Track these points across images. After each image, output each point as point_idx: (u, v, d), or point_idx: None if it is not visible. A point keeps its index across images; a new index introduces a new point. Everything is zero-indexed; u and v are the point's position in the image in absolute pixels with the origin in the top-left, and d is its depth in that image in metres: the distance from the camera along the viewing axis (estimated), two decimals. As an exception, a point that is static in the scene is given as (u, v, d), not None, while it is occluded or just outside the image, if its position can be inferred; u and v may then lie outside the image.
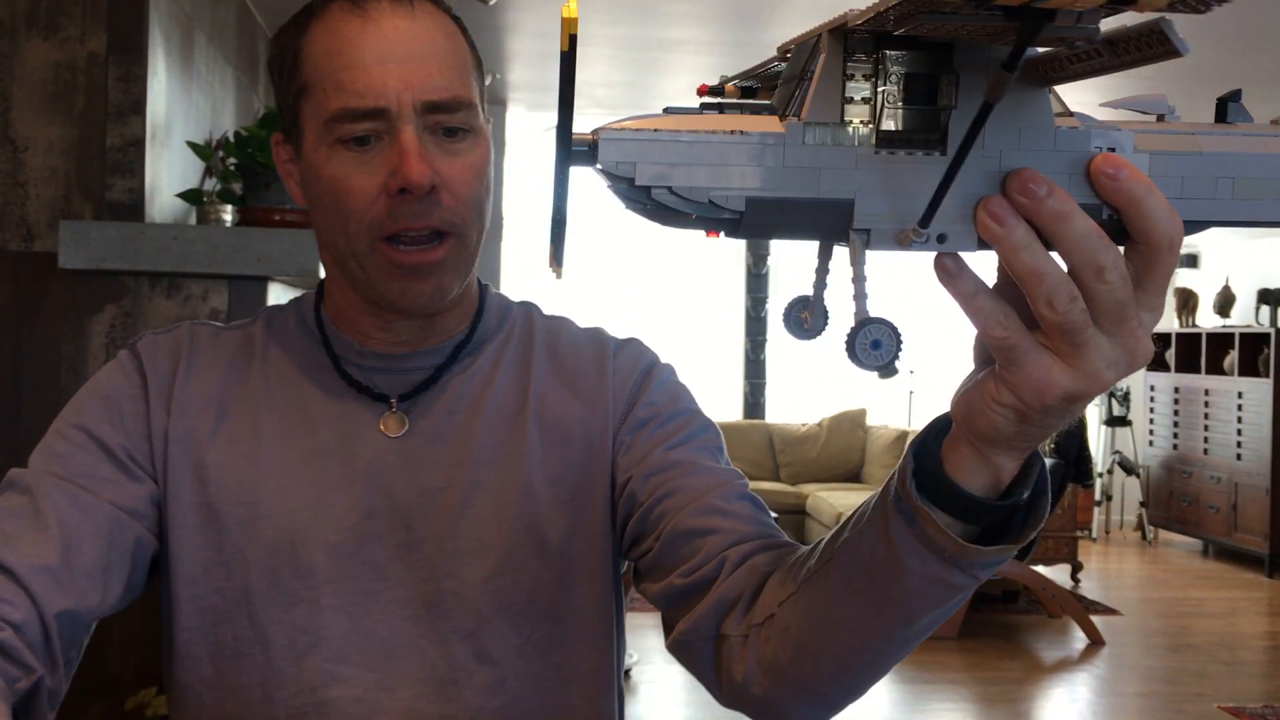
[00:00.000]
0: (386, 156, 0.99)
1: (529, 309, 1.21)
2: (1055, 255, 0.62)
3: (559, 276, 0.65)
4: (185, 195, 2.73)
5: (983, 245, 0.63)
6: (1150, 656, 6.03)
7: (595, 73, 5.57)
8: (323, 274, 1.16)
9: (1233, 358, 8.47)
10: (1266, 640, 6.49)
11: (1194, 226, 0.66)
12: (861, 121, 0.64)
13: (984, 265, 0.65)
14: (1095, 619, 6.39)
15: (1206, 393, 8.69)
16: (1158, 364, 9.28)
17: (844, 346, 0.64)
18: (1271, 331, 8.14)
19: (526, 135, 6.75)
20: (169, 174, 2.74)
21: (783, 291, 8.87)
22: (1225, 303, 8.88)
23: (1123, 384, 9.26)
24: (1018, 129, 0.63)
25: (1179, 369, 9.02)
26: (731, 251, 8.98)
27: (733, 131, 0.63)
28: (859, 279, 0.65)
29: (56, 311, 2.48)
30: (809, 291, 0.75)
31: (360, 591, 1.06)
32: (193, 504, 1.07)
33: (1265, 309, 8.50)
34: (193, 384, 1.10)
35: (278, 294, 2.62)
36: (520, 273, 7.95)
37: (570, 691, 1.10)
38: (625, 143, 0.63)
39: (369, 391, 1.10)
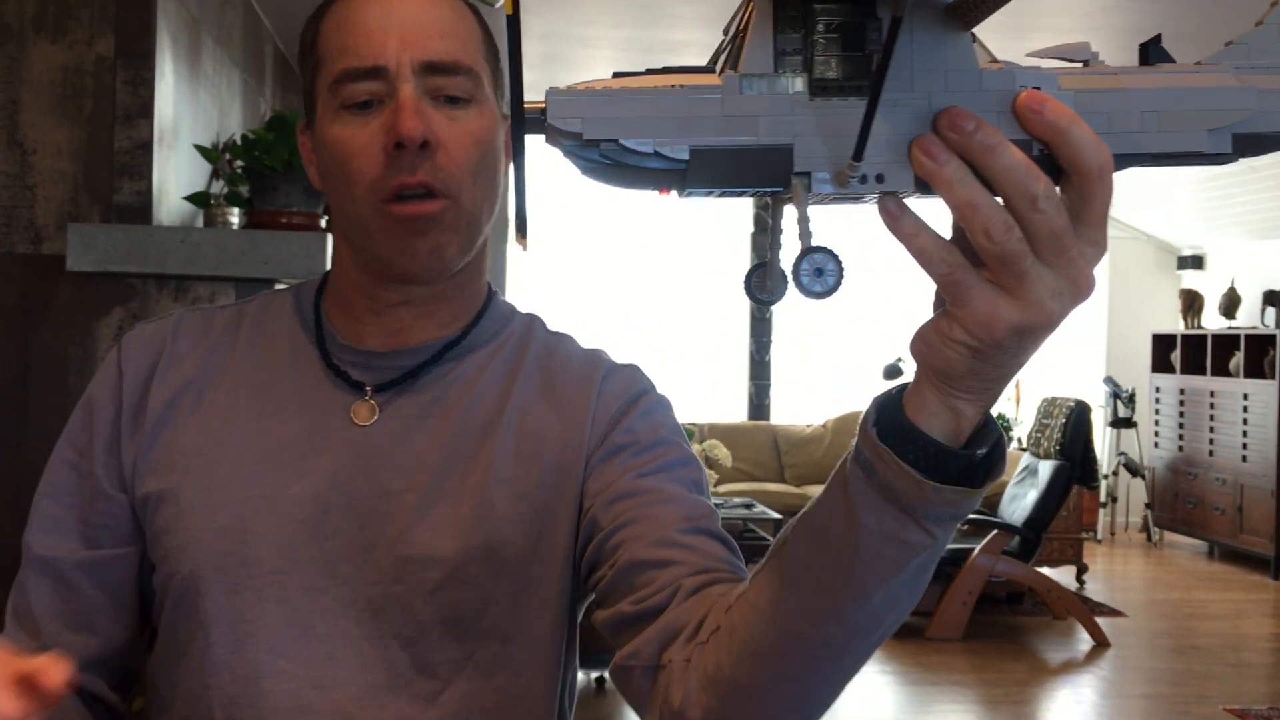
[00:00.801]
0: (385, 116, 1.02)
1: (531, 321, 1.20)
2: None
3: (525, 249, 0.67)
4: (192, 198, 2.74)
5: (920, 186, 0.65)
6: (1155, 658, 6.03)
7: (600, 75, 5.58)
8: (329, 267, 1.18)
9: (1238, 359, 8.46)
10: (1272, 642, 6.49)
11: (1124, 161, 0.68)
12: (795, 71, 0.66)
13: (938, 217, 0.67)
14: (1100, 620, 6.38)
15: (1212, 394, 8.68)
16: (1163, 366, 9.28)
17: (790, 275, 0.66)
18: (1277, 333, 8.13)
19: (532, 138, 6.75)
20: (176, 177, 2.75)
21: (787, 294, 8.86)
22: (1230, 304, 8.87)
23: (1127, 385, 9.25)
24: (944, 72, 0.66)
25: (1184, 370, 9.01)
26: (736, 253, 8.98)
27: (673, 86, 0.66)
28: (803, 219, 0.67)
29: (64, 314, 2.49)
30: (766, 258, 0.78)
31: (306, 586, 1.05)
32: (159, 490, 1.08)
33: (1271, 311, 8.49)
34: (172, 371, 1.13)
35: (284, 296, 2.63)
36: (526, 274, 7.97)
37: (511, 716, 1.07)
38: (573, 101, 0.66)
39: (345, 377, 1.11)
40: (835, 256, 0.65)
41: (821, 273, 0.65)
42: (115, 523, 1.11)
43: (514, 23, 0.61)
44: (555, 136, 0.67)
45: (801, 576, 0.80)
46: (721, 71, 0.67)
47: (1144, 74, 0.68)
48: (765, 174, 0.66)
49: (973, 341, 0.66)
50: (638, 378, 1.16)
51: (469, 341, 1.14)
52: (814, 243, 0.66)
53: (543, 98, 0.67)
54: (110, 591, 1.11)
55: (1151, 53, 0.70)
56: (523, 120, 0.65)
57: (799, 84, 0.66)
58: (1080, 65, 0.69)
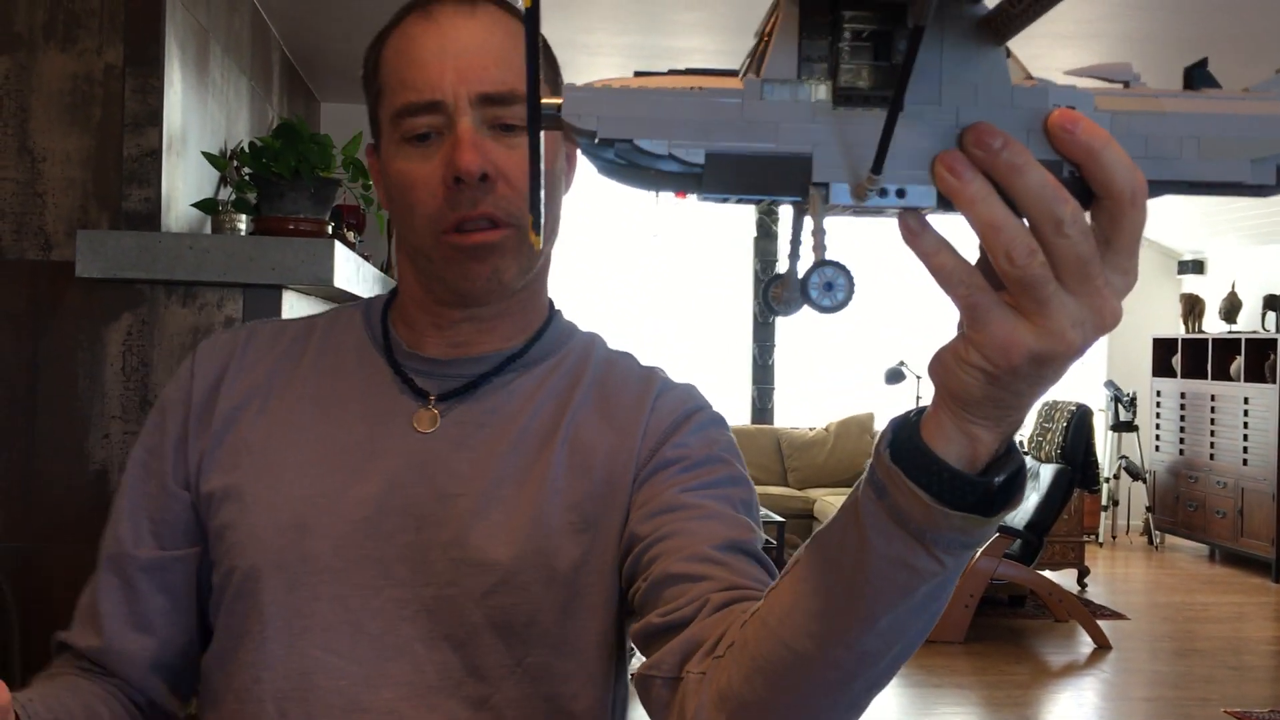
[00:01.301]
0: (445, 150, 1.04)
1: (592, 340, 1.22)
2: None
3: (538, 247, 0.66)
4: (201, 205, 2.76)
5: (943, 202, 0.63)
6: (1157, 661, 6.05)
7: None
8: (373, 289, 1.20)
9: (1239, 363, 8.48)
10: (1273, 645, 6.50)
11: (1160, 187, 0.64)
12: (819, 78, 0.63)
13: (961, 236, 0.65)
14: (1102, 624, 6.40)
15: (1213, 398, 8.69)
16: (1164, 370, 9.29)
17: (798, 288, 0.64)
18: (1278, 337, 8.15)
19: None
20: (185, 184, 2.77)
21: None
22: (1231, 309, 8.88)
23: (1128, 389, 9.26)
24: (974, 86, 0.63)
25: (1185, 375, 9.03)
26: (739, 258, 9.00)
27: (692, 88, 0.63)
28: (818, 231, 0.63)
29: (73, 319, 2.51)
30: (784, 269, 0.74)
31: (361, 585, 1.07)
32: (223, 486, 1.11)
33: (1271, 315, 8.51)
34: (242, 375, 1.16)
35: (292, 302, 2.65)
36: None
37: None
38: (589, 99, 0.63)
39: (410, 384, 1.13)
40: (846, 271, 0.62)
41: (831, 287, 0.62)
42: (178, 522, 1.14)
43: (532, 15, 0.59)
44: (570, 133, 0.64)
45: (810, 596, 0.78)
46: (744, 75, 0.64)
47: (1186, 98, 0.65)
48: (783, 182, 0.64)
49: (989, 367, 0.63)
50: (692, 395, 1.17)
51: (531, 355, 1.16)
52: (827, 256, 0.63)
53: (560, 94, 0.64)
54: (171, 594, 1.14)
55: (1196, 76, 0.67)
56: (539, 116, 0.63)
57: (822, 92, 0.63)
58: (1120, 86, 0.66)
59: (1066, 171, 0.62)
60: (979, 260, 0.64)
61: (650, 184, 0.65)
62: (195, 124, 2.88)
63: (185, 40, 2.76)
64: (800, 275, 0.64)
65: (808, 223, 0.68)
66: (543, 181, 0.64)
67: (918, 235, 0.62)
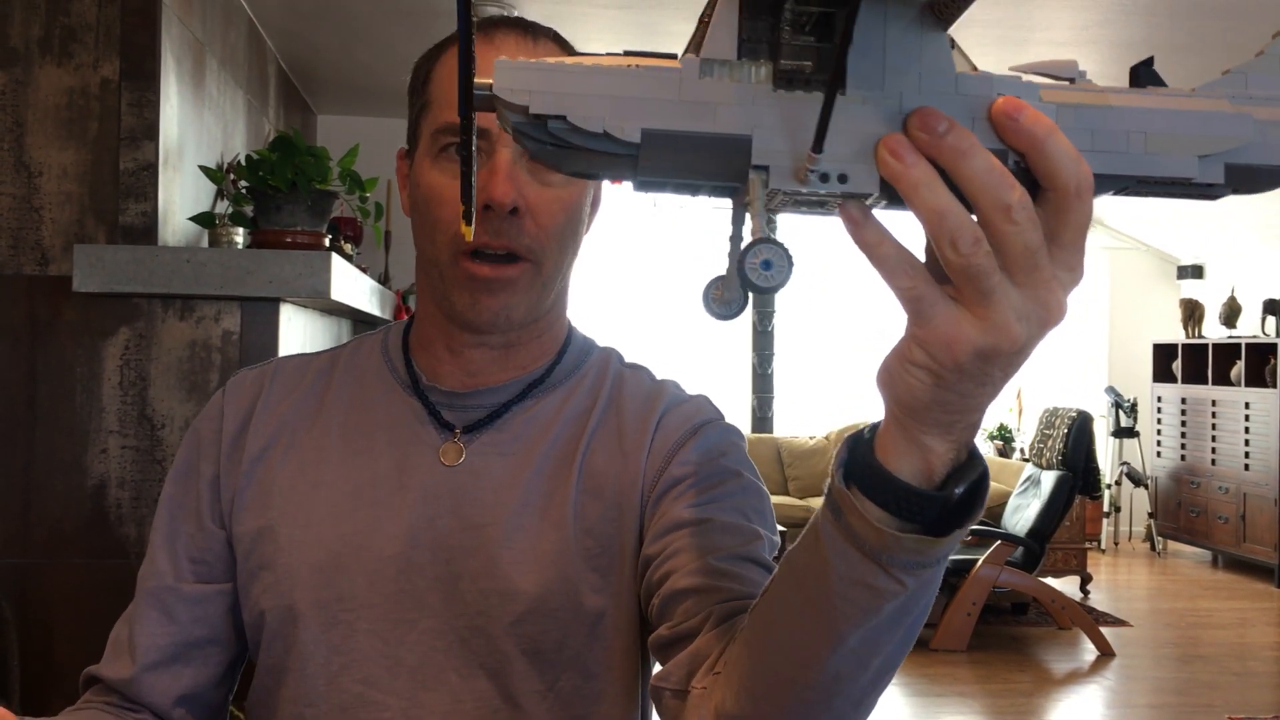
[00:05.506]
0: (480, 175, 1.04)
1: (608, 355, 1.23)
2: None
3: (468, 238, 0.65)
4: (197, 218, 2.76)
5: (886, 190, 0.61)
6: (1160, 668, 6.03)
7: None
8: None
9: (1239, 368, 8.47)
10: (1276, 651, 6.48)
11: (1107, 182, 0.63)
12: (760, 59, 0.62)
13: (910, 234, 0.63)
14: (1105, 630, 6.38)
15: (1213, 403, 8.69)
16: (1164, 375, 9.29)
17: (735, 266, 0.62)
18: (1278, 342, 8.14)
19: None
20: (181, 197, 2.77)
21: (788, 307, 8.89)
22: (1231, 313, 8.88)
23: (1129, 395, 9.25)
24: (917, 73, 0.61)
25: (1185, 380, 9.02)
26: (737, 267, 8.98)
27: (629, 65, 0.62)
28: (758, 214, 0.62)
29: (71, 334, 2.51)
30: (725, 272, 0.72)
31: (397, 619, 1.09)
32: (257, 526, 1.13)
33: (1271, 319, 8.50)
34: (269, 412, 1.18)
35: (289, 315, 2.65)
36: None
37: None
38: (522, 72, 0.61)
39: (437, 416, 1.14)
40: (784, 249, 0.60)
41: (770, 265, 0.60)
42: (217, 559, 1.15)
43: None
44: (503, 110, 0.62)
45: (782, 617, 0.77)
46: (683, 57, 0.63)
47: (1133, 94, 0.64)
48: (721, 166, 0.62)
49: (933, 364, 0.61)
50: (701, 409, 1.17)
51: (551, 379, 1.17)
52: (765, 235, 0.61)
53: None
54: (210, 626, 1.15)
55: (1143, 74, 0.66)
56: (471, 98, 0.60)
57: (763, 73, 0.61)
58: (1065, 83, 0.65)
59: (1011, 162, 0.61)
60: (928, 260, 0.62)
61: (584, 166, 0.63)
62: (192, 137, 2.88)
63: (181, 54, 2.76)
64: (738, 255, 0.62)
65: (750, 221, 0.66)
66: (474, 167, 0.63)
67: (860, 225, 0.61)
